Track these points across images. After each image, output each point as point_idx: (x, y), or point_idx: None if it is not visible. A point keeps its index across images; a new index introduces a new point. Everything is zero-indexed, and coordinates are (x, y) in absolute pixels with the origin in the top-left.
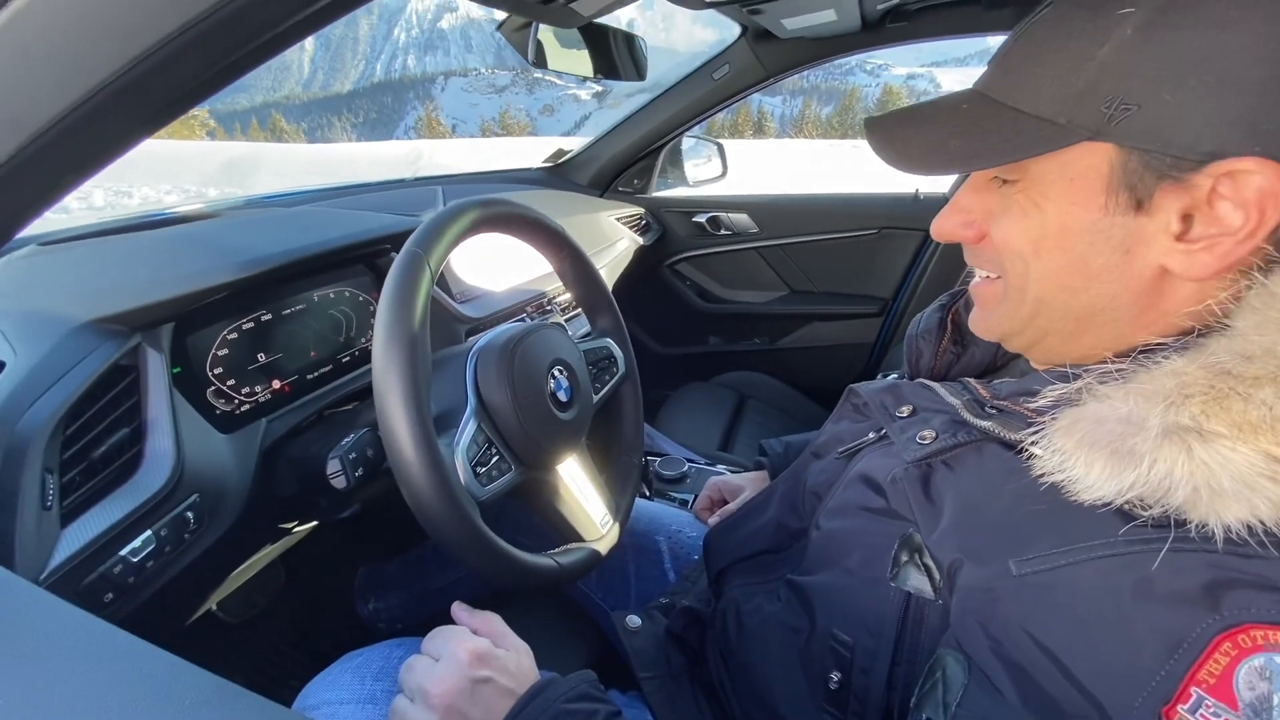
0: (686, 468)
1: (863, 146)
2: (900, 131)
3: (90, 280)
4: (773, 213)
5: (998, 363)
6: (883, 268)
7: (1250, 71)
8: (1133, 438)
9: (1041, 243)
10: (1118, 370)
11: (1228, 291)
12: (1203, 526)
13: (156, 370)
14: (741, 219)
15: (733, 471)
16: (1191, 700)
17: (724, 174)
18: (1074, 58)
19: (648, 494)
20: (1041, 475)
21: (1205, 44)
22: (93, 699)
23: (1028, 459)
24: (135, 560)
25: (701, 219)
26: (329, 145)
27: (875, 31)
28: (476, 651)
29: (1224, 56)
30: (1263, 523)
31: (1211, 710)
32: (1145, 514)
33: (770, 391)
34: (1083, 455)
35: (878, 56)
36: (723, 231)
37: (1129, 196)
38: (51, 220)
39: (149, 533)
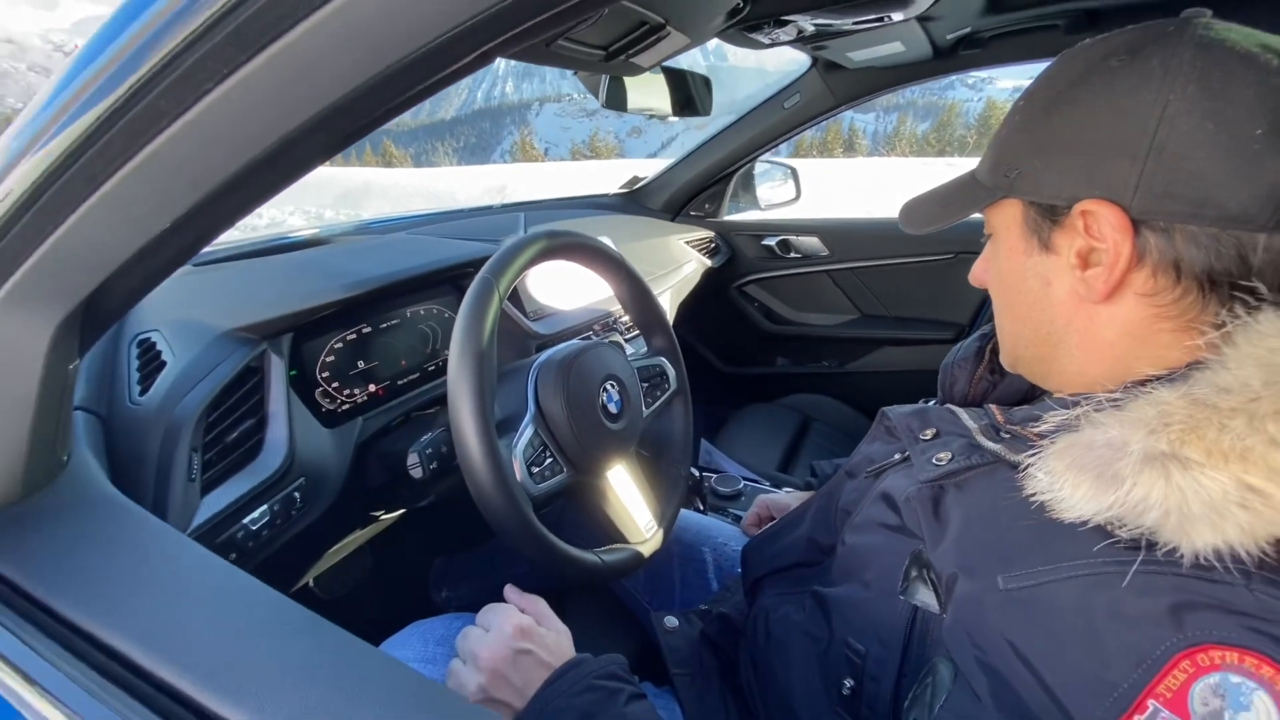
0: (742, 485)
1: (957, 165)
2: (916, 204)
3: (230, 297)
4: (843, 236)
5: (1032, 395)
6: (957, 293)
7: (1086, 136)
8: (1117, 462)
9: (998, 283)
10: (1110, 399)
11: (1219, 331)
12: (1173, 550)
13: (278, 372)
14: (811, 242)
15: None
16: (1148, 712)
17: (797, 197)
18: (996, 139)
19: (702, 508)
20: (1033, 495)
21: (1058, 124)
22: (224, 620)
23: (1025, 480)
24: (254, 529)
25: (771, 242)
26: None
27: (948, 59)
28: (521, 626)
29: (1069, 128)
30: (1230, 547)
31: None
32: (1121, 534)
33: (835, 415)
34: (1071, 476)
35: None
36: (792, 254)
37: (1038, 240)
38: None
39: (265, 506)
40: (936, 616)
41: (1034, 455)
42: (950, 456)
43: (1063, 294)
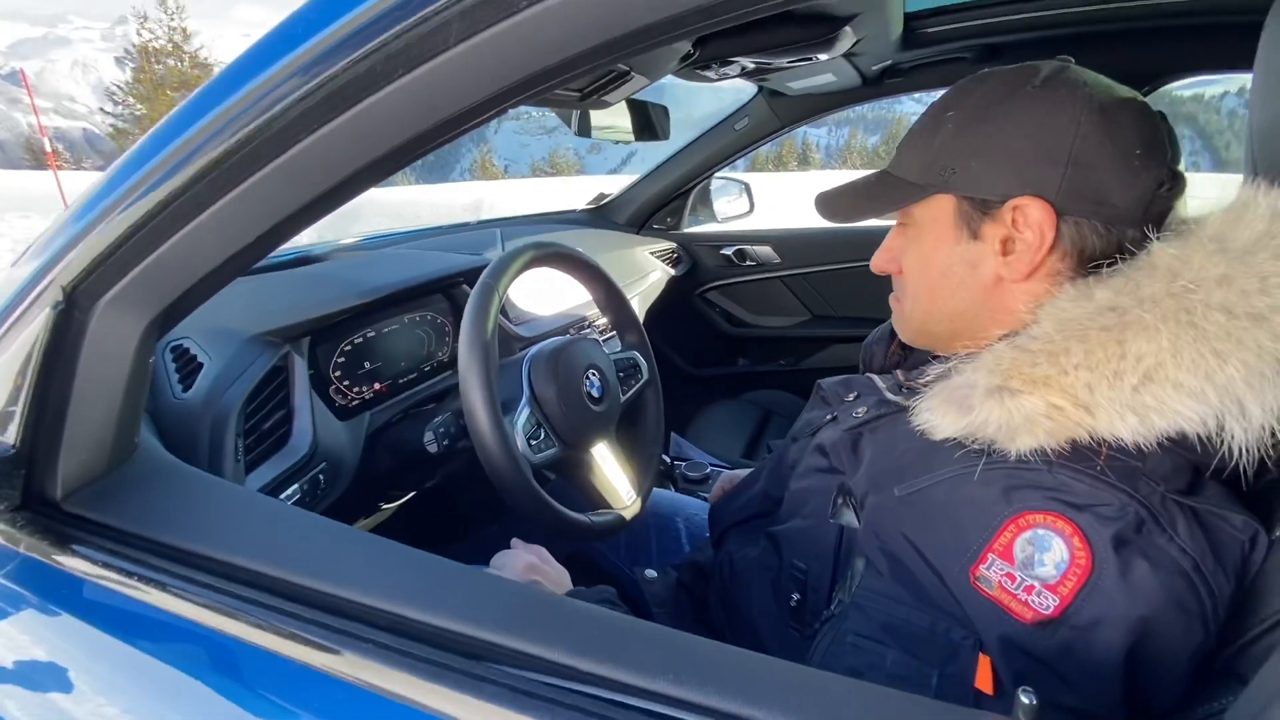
0: (709, 470)
1: None
2: (836, 197)
3: (253, 306)
4: (794, 245)
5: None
6: None
7: (1017, 144)
8: (971, 396)
9: (923, 267)
10: (968, 355)
11: (1038, 300)
12: (1006, 452)
13: (300, 371)
14: (765, 251)
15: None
16: (988, 562)
17: (751, 210)
18: (925, 142)
19: (674, 491)
20: (918, 426)
21: (991, 131)
22: (311, 539)
23: (914, 417)
24: (290, 504)
25: (728, 251)
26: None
27: (875, 86)
28: (529, 564)
29: (1001, 136)
30: (1042, 448)
31: (999, 566)
32: (972, 445)
33: (793, 408)
34: (941, 409)
35: None
36: (748, 263)
37: (968, 229)
38: None
39: (296, 485)
40: (856, 531)
41: (918, 399)
42: (865, 410)
43: (986, 275)
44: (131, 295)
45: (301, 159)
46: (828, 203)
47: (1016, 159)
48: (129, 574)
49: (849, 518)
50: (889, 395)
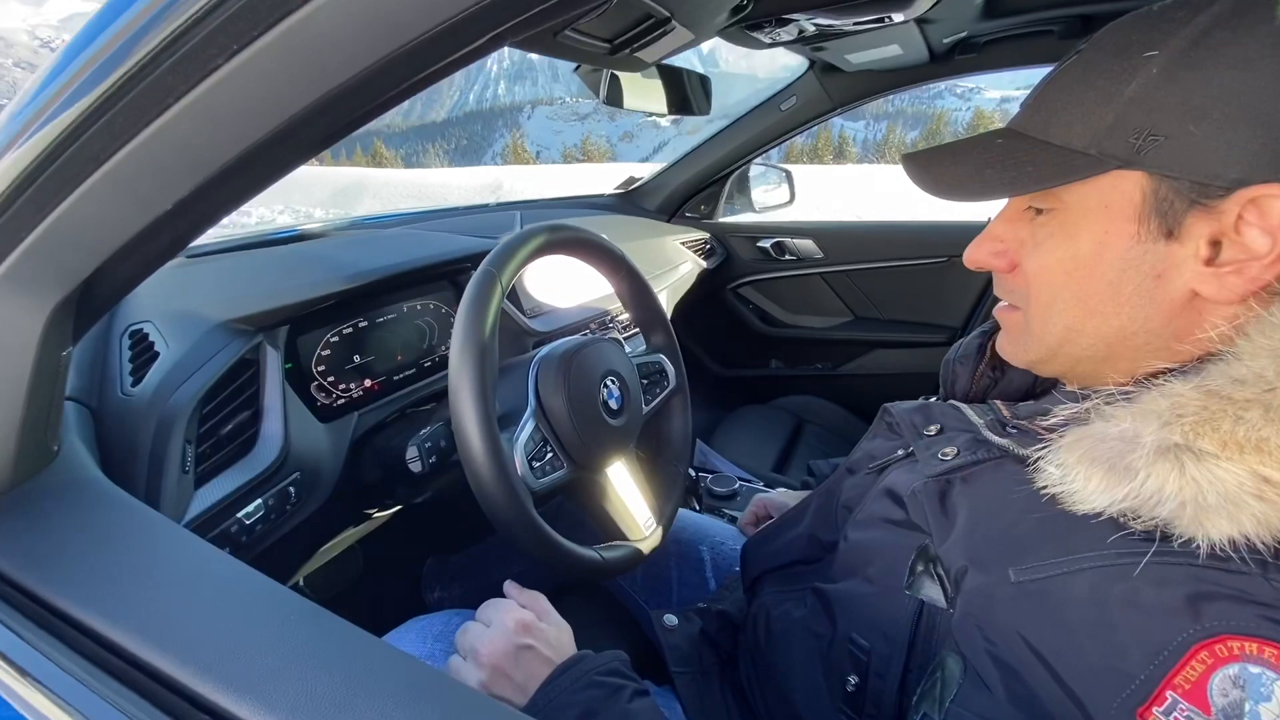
0: (738, 485)
1: None
2: (938, 162)
3: (225, 288)
4: (838, 239)
5: (1036, 389)
6: (952, 297)
7: (1271, 106)
8: (1130, 454)
9: (1075, 271)
10: (1122, 392)
11: (1231, 322)
12: (1188, 541)
13: (273, 365)
14: (806, 245)
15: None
16: (1167, 703)
17: (791, 201)
18: (1103, 95)
19: (697, 508)
20: (1045, 488)
21: (1227, 82)
22: (222, 609)
23: (1035, 473)
24: (248, 523)
25: (766, 244)
26: (424, 170)
27: (944, 63)
28: (522, 622)
29: (1245, 93)
30: (1247, 538)
31: (1185, 713)
32: (1135, 525)
33: (829, 416)
34: (1083, 469)
35: (968, 79)
36: (787, 257)
37: (1160, 223)
38: None
39: (259, 500)
40: (943, 611)
41: (1043, 449)
42: (956, 451)
43: (1176, 290)
44: (26, 273)
45: (221, 94)
46: (932, 173)
47: (1263, 125)
48: None
49: (932, 592)
50: (989, 435)
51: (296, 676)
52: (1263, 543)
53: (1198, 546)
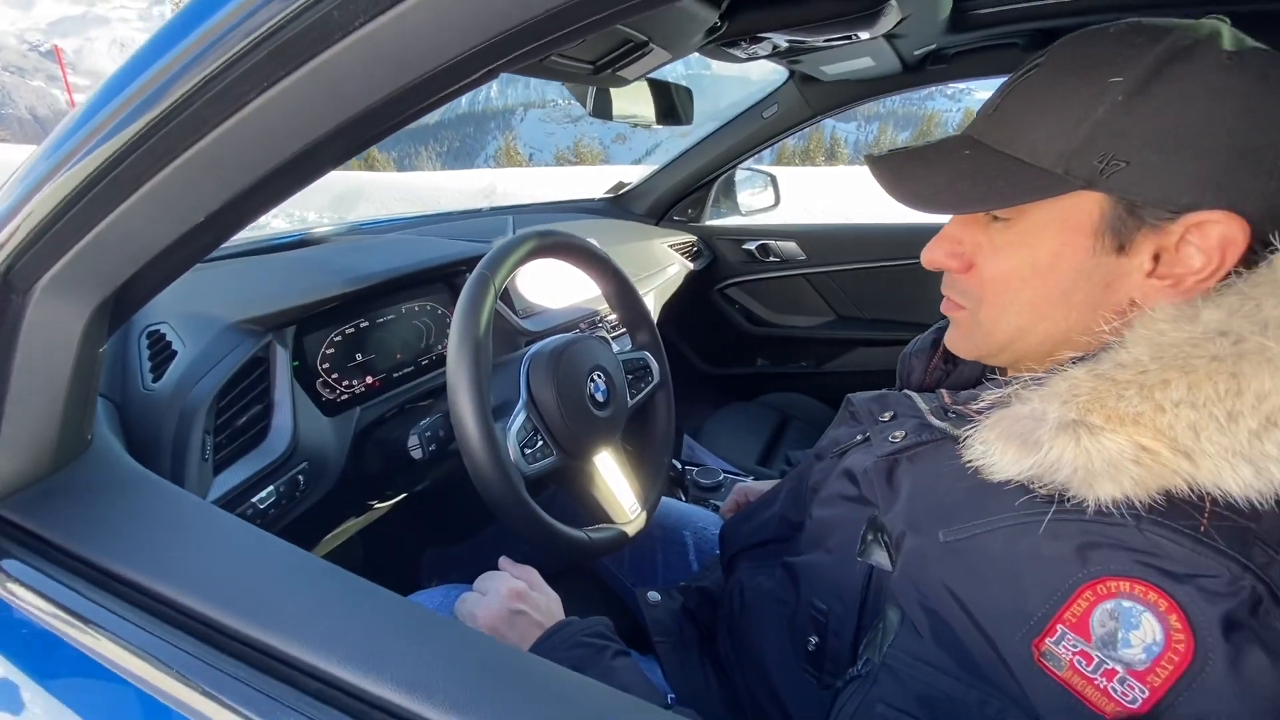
0: (722, 478)
1: None
2: (910, 171)
3: (236, 291)
4: (820, 241)
5: (985, 378)
6: (929, 295)
7: (1223, 140)
8: (1038, 430)
9: (1032, 278)
10: (1034, 378)
11: (1125, 317)
12: (1081, 501)
13: (282, 363)
14: (789, 247)
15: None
16: (1057, 635)
17: (776, 204)
18: (1071, 117)
19: (684, 499)
20: (970, 462)
21: (1187, 115)
22: (254, 569)
23: (965, 450)
24: (262, 507)
25: (751, 246)
26: (416, 174)
27: (916, 73)
28: (515, 590)
29: (1202, 126)
30: (1127, 497)
31: (1071, 642)
32: (1039, 490)
33: (813, 412)
34: (1000, 444)
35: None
36: (771, 258)
37: (1114, 239)
38: None
39: (272, 487)
40: (888, 574)
41: (972, 429)
42: (904, 434)
43: (1122, 298)
44: (72, 277)
45: (250, 124)
46: (905, 186)
47: (1211, 157)
48: (49, 598)
49: (880, 558)
50: (932, 419)
51: (325, 617)
52: (1139, 501)
53: (1088, 505)
